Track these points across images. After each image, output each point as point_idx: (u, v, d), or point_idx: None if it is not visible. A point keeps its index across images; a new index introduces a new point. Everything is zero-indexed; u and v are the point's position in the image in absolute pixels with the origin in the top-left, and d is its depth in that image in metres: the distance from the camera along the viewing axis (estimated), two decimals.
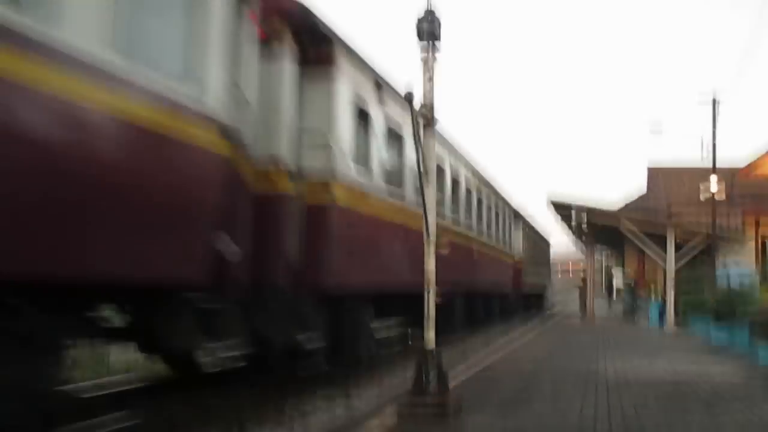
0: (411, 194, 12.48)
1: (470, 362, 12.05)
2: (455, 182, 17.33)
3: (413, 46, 7.41)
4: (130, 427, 6.77)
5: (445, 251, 13.21)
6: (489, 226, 21.78)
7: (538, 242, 36.98)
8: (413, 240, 12.06)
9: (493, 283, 22.95)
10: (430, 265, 7.44)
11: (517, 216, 28.37)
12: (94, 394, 8.19)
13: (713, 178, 24.66)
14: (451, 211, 16.75)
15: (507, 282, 25.86)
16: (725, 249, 24.42)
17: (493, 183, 22.42)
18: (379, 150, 11.07)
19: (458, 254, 16.90)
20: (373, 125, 10.89)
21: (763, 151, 32.21)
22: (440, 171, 14.59)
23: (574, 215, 27.34)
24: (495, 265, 23.01)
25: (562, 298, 69.82)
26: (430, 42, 7.35)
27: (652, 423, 6.95)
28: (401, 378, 11.51)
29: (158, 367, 9.65)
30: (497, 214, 23.37)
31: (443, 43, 7.46)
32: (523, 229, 29.59)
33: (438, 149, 12.88)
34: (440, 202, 14.50)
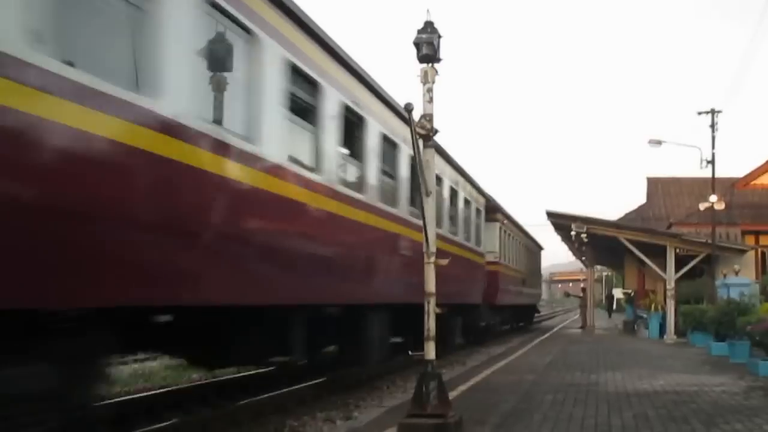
0: (270, 141, 7.67)
1: None
2: (385, 140, 11.37)
3: (412, 56, 7.16)
4: None
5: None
6: (440, 208, 15.28)
7: (524, 243, 31.27)
8: (285, 216, 8.21)
9: (452, 292, 14.85)
10: (430, 278, 7.38)
11: (492, 207, 22.95)
12: None
13: (713, 198, 24.63)
14: (361, 176, 10.70)
15: (475, 290, 19.22)
16: (725, 260, 24.41)
17: (447, 153, 16.34)
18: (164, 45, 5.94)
19: (384, 245, 11.22)
20: None
21: (760, 163, 32.38)
22: (354, 115, 10.29)
23: (574, 228, 27.12)
24: (453, 268, 14.44)
25: (562, 310, 69.75)
26: (430, 64, 7.32)
27: None
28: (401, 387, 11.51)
29: None
30: (454, 192, 17.31)
31: (443, 48, 7.18)
32: (501, 223, 24.11)
33: (351, 84, 10.21)
34: (337, 159, 9.82)
